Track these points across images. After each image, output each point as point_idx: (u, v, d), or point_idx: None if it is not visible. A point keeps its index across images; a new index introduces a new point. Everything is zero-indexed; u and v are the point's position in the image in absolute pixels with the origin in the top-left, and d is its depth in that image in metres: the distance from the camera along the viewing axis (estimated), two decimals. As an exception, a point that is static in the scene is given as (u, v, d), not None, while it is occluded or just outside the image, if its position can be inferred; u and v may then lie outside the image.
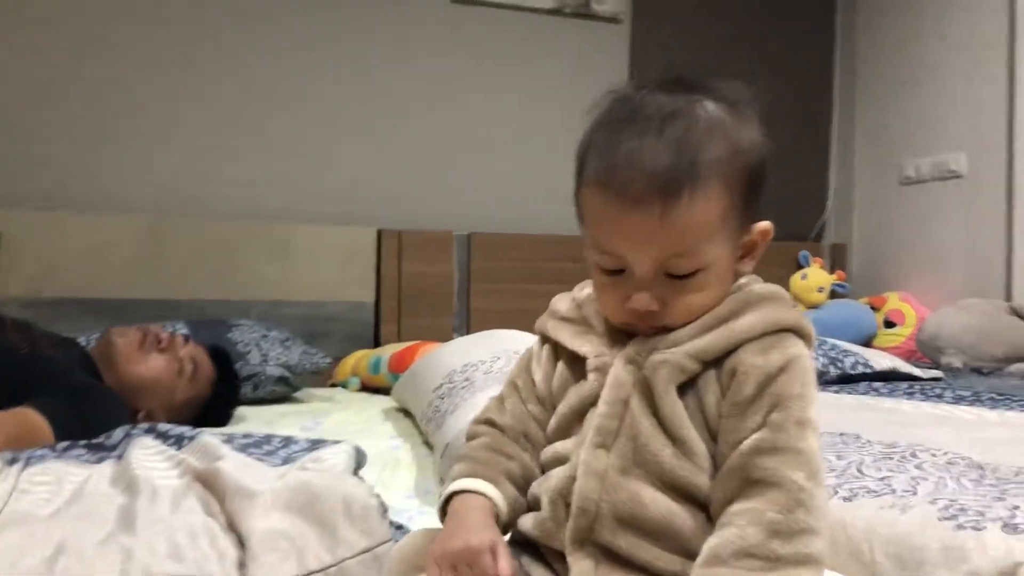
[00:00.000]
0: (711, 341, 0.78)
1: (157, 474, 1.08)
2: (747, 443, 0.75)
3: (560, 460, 0.82)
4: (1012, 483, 1.28)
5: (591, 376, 0.82)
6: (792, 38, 3.93)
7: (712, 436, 0.79)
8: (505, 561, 0.75)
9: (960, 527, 1.09)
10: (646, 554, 0.77)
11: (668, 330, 0.81)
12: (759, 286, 0.83)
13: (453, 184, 3.35)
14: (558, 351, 0.89)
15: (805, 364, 0.79)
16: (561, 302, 0.92)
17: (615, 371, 0.81)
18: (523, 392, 0.90)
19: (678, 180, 0.75)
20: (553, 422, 0.86)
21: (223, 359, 2.04)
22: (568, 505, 0.79)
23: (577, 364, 0.85)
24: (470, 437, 0.91)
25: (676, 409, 0.78)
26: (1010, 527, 1.06)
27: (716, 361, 0.79)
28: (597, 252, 0.80)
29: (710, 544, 0.73)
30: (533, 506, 0.84)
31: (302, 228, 3.04)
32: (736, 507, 0.74)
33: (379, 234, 3.12)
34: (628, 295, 0.79)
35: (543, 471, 0.85)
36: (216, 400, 1.94)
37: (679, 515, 0.77)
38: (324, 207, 3.14)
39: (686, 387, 0.79)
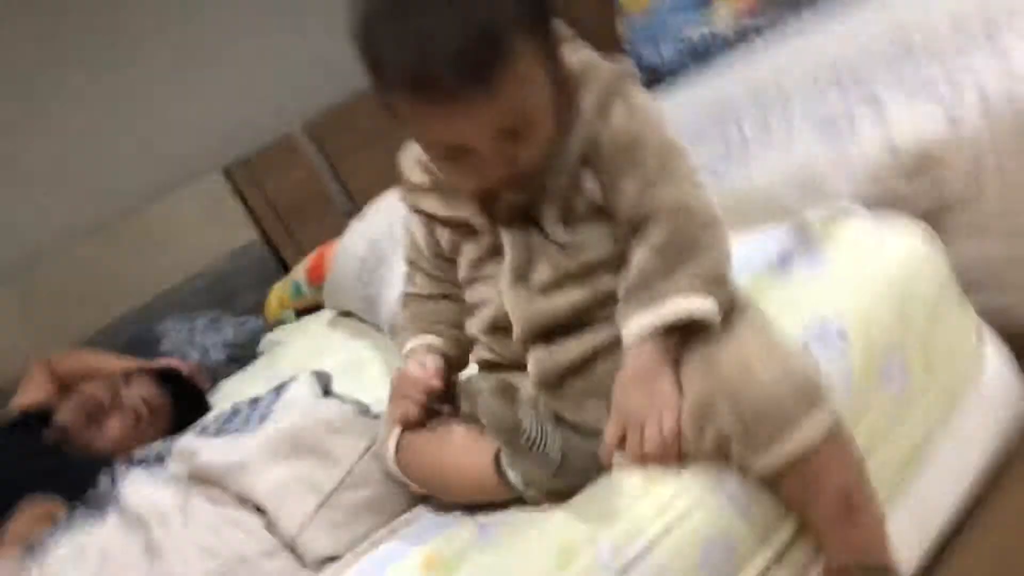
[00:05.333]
0: (569, 156, 0.81)
1: (156, 499, 1.11)
2: (623, 194, 0.81)
3: (483, 302, 0.89)
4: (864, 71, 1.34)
5: (482, 235, 0.87)
6: None
7: (608, 213, 0.83)
8: (431, 363, 0.89)
9: (840, 134, 1.15)
10: (587, 320, 0.83)
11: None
12: (571, 69, 0.82)
13: (277, 82, 3.21)
14: (432, 219, 0.92)
15: (636, 101, 0.83)
16: (412, 171, 0.92)
17: (504, 222, 0.84)
18: (422, 265, 0.96)
19: (487, 60, 0.71)
20: (461, 273, 0.92)
21: (173, 380, 2.00)
22: (504, 332, 0.86)
23: (458, 225, 0.89)
24: (402, 309, 0.99)
25: (569, 224, 0.83)
26: (876, 105, 1.12)
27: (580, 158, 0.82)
28: (430, 147, 0.80)
29: (621, 288, 0.81)
30: (475, 340, 0.92)
31: (155, 208, 2.92)
32: (636, 246, 0.80)
33: (228, 173, 3.02)
34: (477, 169, 0.78)
35: (470, 312, 0.92)
36: (183, 421, 1.88)
37: (600, 283, 0.83)
38: (163, 179, 3.01)
39: (569, 195, 0.83)
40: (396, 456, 0.87)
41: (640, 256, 0.79)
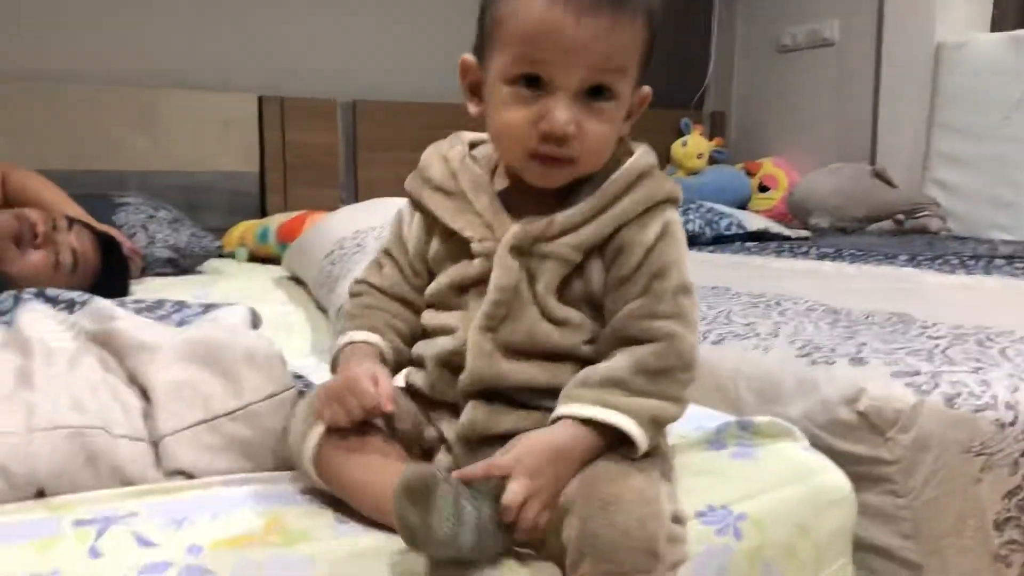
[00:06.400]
0: (595, 231, 0.82)
1: (50, 336, 1.08)
2: (628, 307, 0.82)
3: (445, 330, 0.87)
4: (861, 325, 1.42)
5: (476, 260, 0.85)
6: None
7: (596, 308, 0.85)
8: (385, 382, 0.81)
9: (814, 363, 1.21)
10: (534, 401, 0.84)
11: (552, 205, 0.83)
12: (636, 161, 0.85)
13: (335, 50, 3.26)
14: (432, 222, 0.90)
15: (677, 229, 0.85)
16: (434, 166, 0.91)
17: (501, 260, 0.83)
18: (399, 259, 0.93)
19: (631, 5, 0.77)
20: (432, 289, 0.90)
21: (111, 248, 1.96)
22: (452, 369, 0.85)
23: (455, 240, 0.88)
24: (352, 295, 0.95)
25: (560, 300, 0.84)
26: (856, 360, 1.18)
27: (598, 245, 0.83)
28: (518, 64, 0.79)
29: (583, 371, 0.82)
30: (419, 364, 0.90)
31: (174, 93, 2.91)
32: (620, 349, 0.82)
33: (260, 101, 3.03)
34: (542, 115, 0.79)
35: (425, 334, 0.90)
36: (99, 291, 1.84)
37: (562, 374, 0.84)
38: (199, 73, 3.01)
39: (571, 272, 0.84)
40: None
41: (619, 360, 0.80)
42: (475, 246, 0.85)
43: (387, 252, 0.94)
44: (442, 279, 0.89)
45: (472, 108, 0.87)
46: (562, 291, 0.84)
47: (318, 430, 0.82)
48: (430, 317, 0.90)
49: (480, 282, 0.86)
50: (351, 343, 0.89)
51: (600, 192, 0.83)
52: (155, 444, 0.88)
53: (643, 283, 0.82)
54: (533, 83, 0.79)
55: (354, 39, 3.28)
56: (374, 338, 0.89)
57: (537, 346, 0.84)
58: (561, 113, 0.78)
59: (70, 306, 1.26)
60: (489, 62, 0.83)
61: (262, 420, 0.91)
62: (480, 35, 0.84)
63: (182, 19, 2.98)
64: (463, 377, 0.84)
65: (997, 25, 3.18)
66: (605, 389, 0.79)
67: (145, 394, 0.93)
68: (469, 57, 0.86)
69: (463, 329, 0.85)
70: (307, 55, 3.19)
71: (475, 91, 0.87)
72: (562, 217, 0.83)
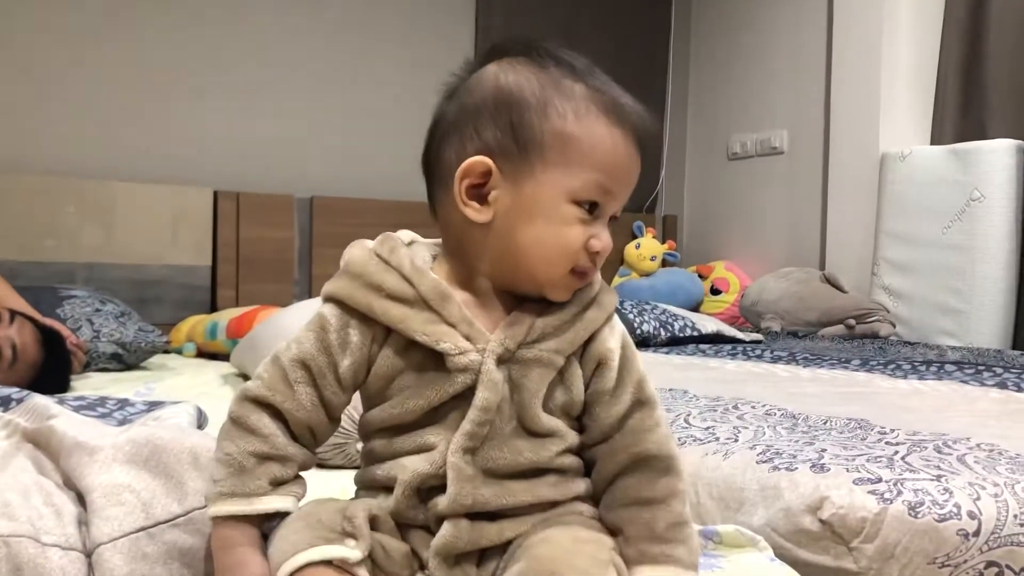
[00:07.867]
0: (576, 334, 0.81)
1: (-19, 436, 1.03)
2: (631, 424, 0.82)
3: (419, 449, 0.79)
4: (820, 430, 1.41)
5: (460, 376, 0.77)
6: (631, 20, 4.04)
7: (575, 415, 0.83)
8: None
9: (775, 468, 1.19)
10: (515, 513, 0.79)
11: (534, 313, 0.81)
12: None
13: (293, 146, 3.28)
14: (378, 332, 0.79)
15: (630, 339, 0.87)
16: (378, 272, 0.79)
17: (489, 374, 0.77)
18: (318, 376, 0.79)
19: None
20: (393, 413, 0.79)
21: (53, 342, 1.90)
22: (429, 490, 0.78)
23: (418, 352, 0.78)
24: (241, 423, 0.81)
25: (542, 410, 0.80)
26: (817, 467, 1.16)
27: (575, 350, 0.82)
28: (595, 190, 0.79)
29: (645, 522, 0.80)
30: (378, 487, 0.81)
31: (129, 187, 2.89)
32: (652, 483, 0.81)
33: (216, 196, 3.02)
34: (592, 235, 0.79)
35: (378, 458, 0.82)
36: (38, 386, 1.77)
37: (541, 487, 0.80)
38: (154, 166, 3.00)
39: (553, 379, 0.81)
40: None
41: (667, 496, 0.81)
42: (456, 359, 0.77)
43: (304, 364, 0.79)
44: (413, 402, 0.78)
45: (477, 215, 0.78)
46: (546, 400, 0.80)
47: (300, 559, 0.73)
48: (388, 444, 0.80)
49: (456, 396, 0.78)
50: (229, 517, 0.78)
51: (578, 299, 0.83)
52: (89, 554, 0.82)
53: (632, 391, 0.82)
54: (594, 208, 0.80)
55: (311, 135, 3.31)
56: (259, 507, 0.78)
57: (519, 465, 0.79)
58: (607, 236, 0.82)
59: (5, 403, 1.20)
60: (538, 173, 0.78)
61: (206, 527, 0.86)
62: (517, 140, 0.78)
63: (138, 112, 2.98)
64: (443, 502, 0.77)
65: (936, 138, 3.31)
66: (675, 534, 0.81)
67: (81, 499, 0.87)
68: (487, 161, 0.78)
69: (440, 452, 0.77)
70: (264, 151, 3.21)
71: (473, 193, 0.79)
72: (541, 322, 0.80)
